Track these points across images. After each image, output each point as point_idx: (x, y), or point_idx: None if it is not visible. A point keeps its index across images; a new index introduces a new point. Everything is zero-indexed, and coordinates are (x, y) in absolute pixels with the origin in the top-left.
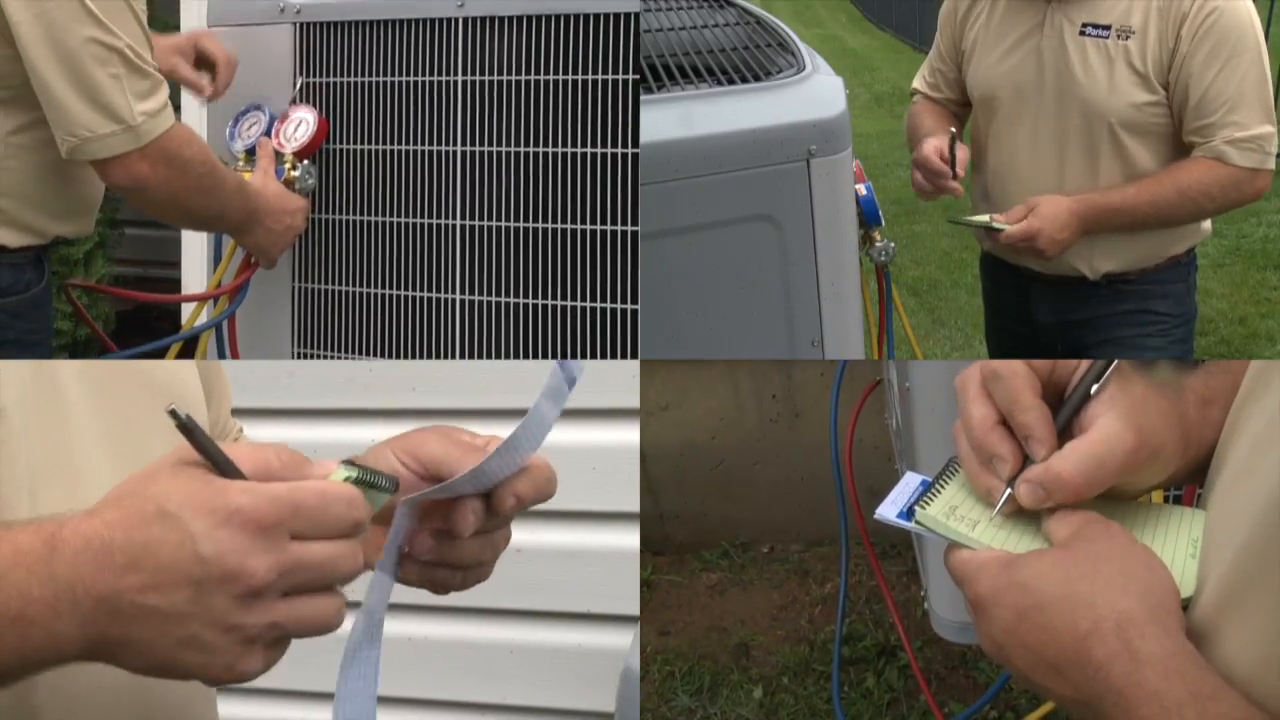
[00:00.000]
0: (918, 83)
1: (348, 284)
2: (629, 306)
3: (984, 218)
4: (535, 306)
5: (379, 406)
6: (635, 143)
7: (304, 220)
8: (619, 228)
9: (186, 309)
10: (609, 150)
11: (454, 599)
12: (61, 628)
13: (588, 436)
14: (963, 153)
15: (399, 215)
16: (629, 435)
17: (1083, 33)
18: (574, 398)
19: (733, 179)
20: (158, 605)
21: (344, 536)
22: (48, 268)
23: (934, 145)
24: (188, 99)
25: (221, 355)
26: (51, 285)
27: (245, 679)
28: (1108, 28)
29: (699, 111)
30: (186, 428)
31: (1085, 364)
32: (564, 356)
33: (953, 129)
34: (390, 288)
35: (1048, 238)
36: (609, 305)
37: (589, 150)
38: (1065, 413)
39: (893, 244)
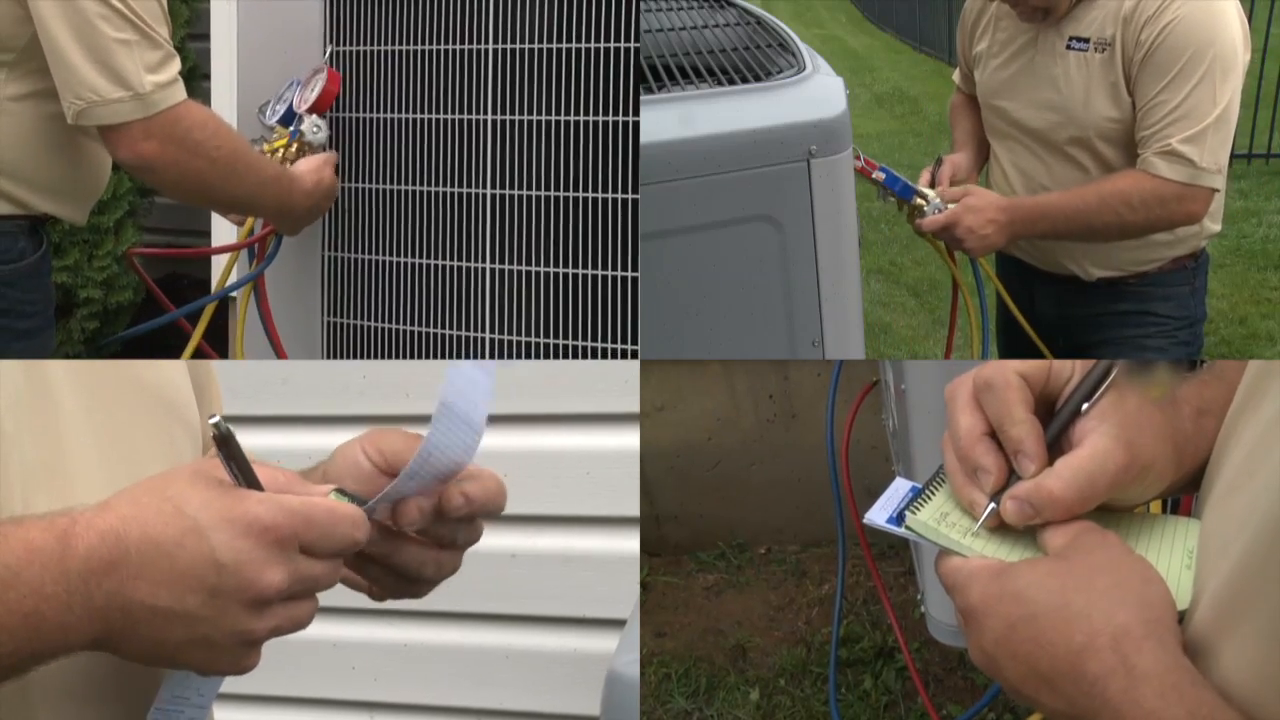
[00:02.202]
0: (955, 75)
1: (377, 253)
2: (632, 274)
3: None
4: (567, 276)
5: (373, 413)
6: (635, 111)
7: (322, 210)
8: (629, 196)
9: (217, 276)
10: (617, 118)
11: (450, 604)
12: (72, 622)
13: (585, 441)
14: (946, 168)
15: (429, 184)
16: (627, 440)
17: (1069, 46)
18: (572, 403)
19: (733, 179)
20: (170, 607)
21: (343, 553)
22: (47, 240)
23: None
24: (217, 78)
25: (263, 320)
26: (51, 257)
27: (244, 673)
28: (1087, 41)
29: (699, 111)
30: (223, 438)
31: (1079, 373)
32: (591, 324)
33: (940, 155)
34: (420, 256)
35: (965, 228)
36: (625, 273)
37: (605, 119)
38: (1055, 427)
39: (941, 202)
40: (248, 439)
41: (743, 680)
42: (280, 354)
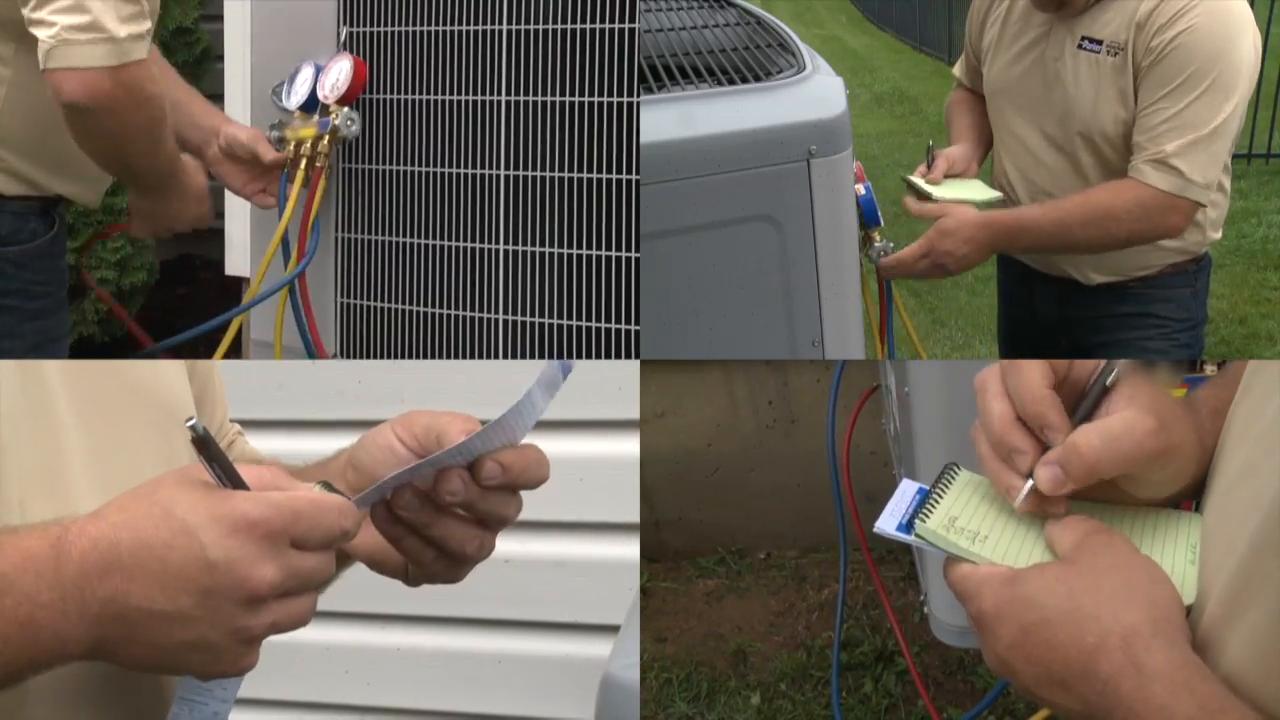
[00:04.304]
0: (956, 70)
1: (391, 234)
2: (633, 255)
3: (918, 180)
4: (580, 258)
5: (368, 417)
6: (634, 93)
7: (202, 218)
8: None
9: (232, 259)
10: (615, 99)
11: (444, 609)
12: (68, 629)
13: (580, 447)
14: (940, 163)
15: (443, 165)
16: (622, 446)
17: (1081, 46)
18: (574, 408)
19: (733, 179)
20: (165, 609)
21: (332, 544)
22: (60, 222)
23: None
24: (230, 60)
25: (296, 313)
26: (64, 238)
27: (244, 674)
28: (1100, 43)
29: (699, 111)
30: (202, 440)
31: (1101, 362)
32: (603, 308)
33: (930, 143)
34: (433, 238)
35: (942, 252)
36: (624, 254)
37: (609, 100)
38: (1085, 406)
39: (892, 244)
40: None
41: (744, 685)
42: (319, 352)
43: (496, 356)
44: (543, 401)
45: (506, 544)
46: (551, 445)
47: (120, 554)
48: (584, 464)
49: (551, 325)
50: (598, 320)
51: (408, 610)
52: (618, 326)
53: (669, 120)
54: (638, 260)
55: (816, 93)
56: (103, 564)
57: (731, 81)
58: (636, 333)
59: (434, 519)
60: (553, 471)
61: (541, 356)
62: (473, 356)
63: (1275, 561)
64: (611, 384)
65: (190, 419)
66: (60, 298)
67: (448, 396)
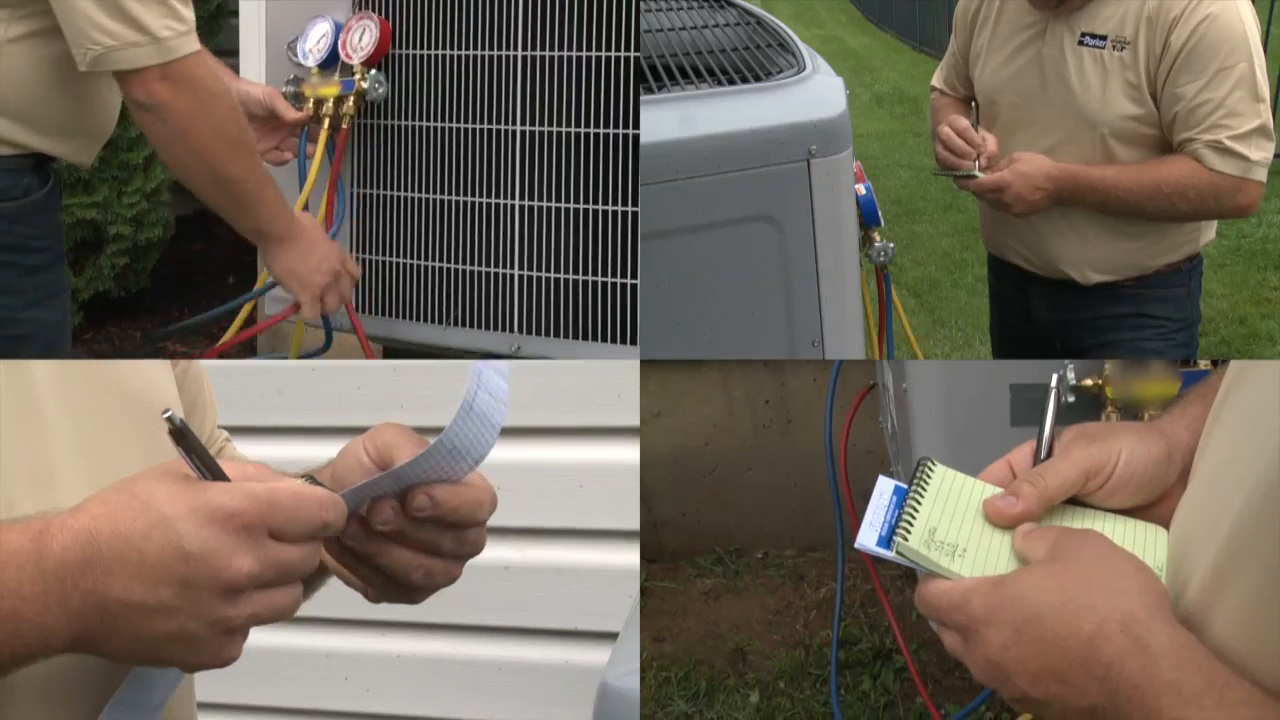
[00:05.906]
0: (936, 79)
1: (405, 190)
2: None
3: (969, 164)
4: (594, 212)
5: (366, 423)
6: (636, 46)
7: (340, 272)
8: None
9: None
10: (621, 54)
11: (443, 615)
12: (51, 622)
13: (579, 454)
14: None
15: (457, 121)
16: (621, 453)
17: (1081, 42)
18: (573, 415)
19: (733, 179)
20: (144, 600)
21: (313, 536)
22: (56, 177)
23: (961, 125)
24: (245, 16)
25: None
26: (59, 193)
27: (227, 665)
28: (1104, 38)
29: (699, 111)
30: (180, 432)
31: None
32: (603, 262)
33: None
34: (448, 193)
35: (1015, 193)
36: (624, 209)
37: (613, 54)
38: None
39: (892, 244)
40: (244, 450)
41: (742, 683)
42: (366, 352)
43: (509, 311)
44: (491, 405)
45: (506, 551)
46: (551, 451)
47: (99, 546)
48: (583, 470)
49: (559, 280)
50: (597, 275)
51: (407, 617)
52: (616, 281)
53: (669, 120)
54: (636, 214)
55: (816, 93)
56: (83, 557)
57: (731, 81)
58: (634, 287)
59: (379, 547)
60: (552, 478)
61: (550, 311)
62: (486, 312)
63: (1261, 537)
64: (611, 390)
65: (166, 411)
66: (58, 253)
67: (448, 404)
